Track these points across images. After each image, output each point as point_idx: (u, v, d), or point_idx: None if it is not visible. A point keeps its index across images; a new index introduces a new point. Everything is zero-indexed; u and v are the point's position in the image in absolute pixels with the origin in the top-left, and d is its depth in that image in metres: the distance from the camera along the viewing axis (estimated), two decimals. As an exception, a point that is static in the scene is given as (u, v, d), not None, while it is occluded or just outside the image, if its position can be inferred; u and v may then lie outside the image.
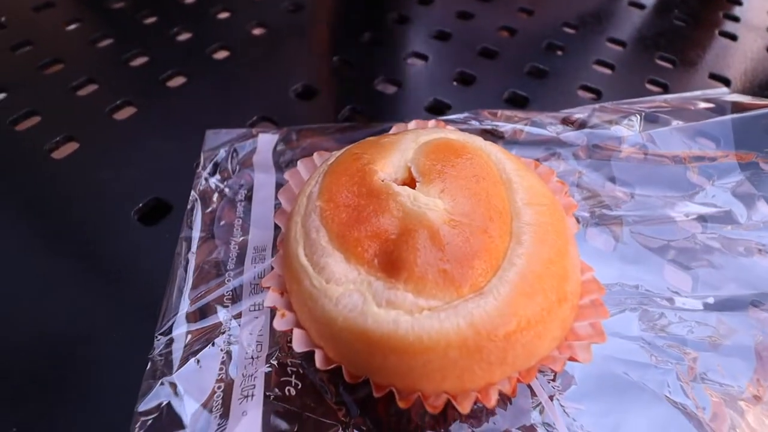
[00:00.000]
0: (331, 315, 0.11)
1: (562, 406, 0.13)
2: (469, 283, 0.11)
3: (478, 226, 0.12)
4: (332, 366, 0.11)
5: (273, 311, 0.12)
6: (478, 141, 0.15)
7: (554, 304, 0.11)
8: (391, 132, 0.16)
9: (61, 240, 0.17)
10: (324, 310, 0.11)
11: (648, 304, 0.16)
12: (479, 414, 0.13)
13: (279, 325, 0.12)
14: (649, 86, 0.27)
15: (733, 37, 0.33)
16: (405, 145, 0.14)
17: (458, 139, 0.14)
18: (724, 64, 0.30)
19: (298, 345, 0.11)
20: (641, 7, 0.35)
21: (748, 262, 0.18)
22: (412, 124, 0.17)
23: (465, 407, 0.11)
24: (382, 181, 0.12)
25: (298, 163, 0.15)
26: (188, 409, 0.12)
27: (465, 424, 0.13)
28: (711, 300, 0.16)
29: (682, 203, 0.20)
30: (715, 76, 0.29)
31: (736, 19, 0.35)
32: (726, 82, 0.29)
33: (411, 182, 0.13)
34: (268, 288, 0.12)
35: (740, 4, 0.37)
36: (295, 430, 0.12)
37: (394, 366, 0.10)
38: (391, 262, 0.11)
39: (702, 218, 0.19)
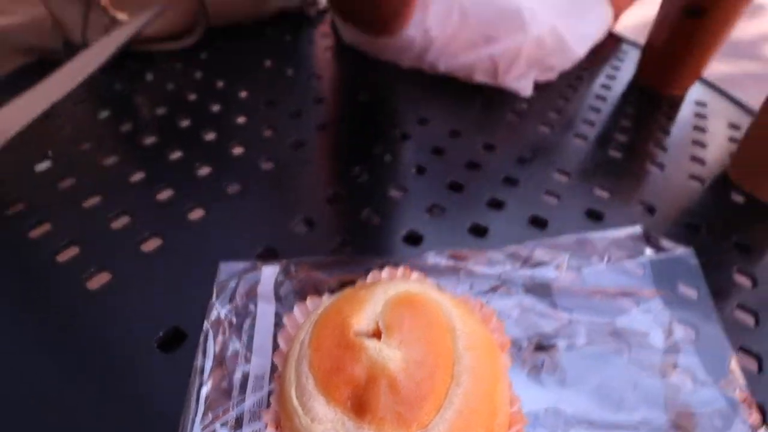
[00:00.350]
0: (315, 449, 0.14)
1: None
2: (417, 421, 0.15)
3: (427, 372, 0.16)
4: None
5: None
6: (433, 293, 0.19)
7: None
8: (367, 281, 0.21)
9: (87, 365, 0.21)
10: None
11: (573, 426, 0.20)
12: None
13: None
14: (587, 217, 0.33)
15: (660, 167, 0.40)
16: (376, 298, 0.18)
17: (417, 292, 0.19)
18: (652, 192, 0.36)
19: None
20: (584, 138, 0.42)
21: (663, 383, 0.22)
22: (384, 273, 0.21)
23: None
24: (357, 335, 0.17)
25: (295, 307, 0.20)
26: None
27: None
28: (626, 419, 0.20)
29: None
30: (643, 203, 0.35)
31: (663, 149, 0.42)
32: (652, 210, 0.34)
33: (379, 333, 0.17)
34: (267, 420, 0.16)
35: (667, 133, 0.44)
36: None
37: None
38: (360, 404, 0.15)
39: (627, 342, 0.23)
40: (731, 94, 0.54)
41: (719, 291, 0.27)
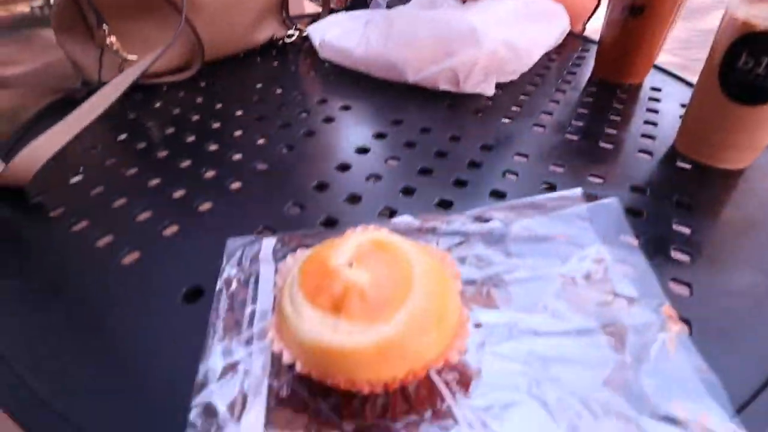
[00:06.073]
0: (303, 340, 0.19)
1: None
2: (381, 318, 0.20)
3: (389, 288, 0.21)
4: (306, 371, 0.19)
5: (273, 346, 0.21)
6: (396, 238, 0.24)
7: (434, 327, 0.20)
8: (345, 234, 0.26)
9: (126, 318, 0.26)
10: (299, 337, 0.19)
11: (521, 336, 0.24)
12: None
13: (276, 348, 0.20)
14: (542, 190, 0.38)
15: (613, 144, 0.45)
16: (350, 242, 0.23)
17: (384, 237, 0.24)
18: (603, 166, 0.41)
19: (286, 359, 0.20)
20: (543, 126, 0.48)
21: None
22: (359, 229, 0.27)
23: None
24: (334, 265, 0.22)
25: (288, 256, 0.25)
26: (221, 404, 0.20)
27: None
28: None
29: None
30: (594, 175, 0.40)
31: (616, 129, 0.47)
32: (603, 178, 0.39)
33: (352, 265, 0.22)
34: (269, 337, 0.21)
35: (622, 116, 0.50)
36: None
37: (337, 365, 0.19)
38: (336, 307, 0.20)
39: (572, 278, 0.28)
40: (686, 78, 0.59)
41: (660, 238, 0.31)
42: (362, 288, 0.20)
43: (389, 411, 0.21)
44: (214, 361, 0.22)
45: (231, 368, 0.22)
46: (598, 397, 0.22)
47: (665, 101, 0.53)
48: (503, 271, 0.28)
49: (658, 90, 0.56)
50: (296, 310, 0.20)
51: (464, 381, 0.22)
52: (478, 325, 0.25)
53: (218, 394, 0.21)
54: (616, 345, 0.24)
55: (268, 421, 0.20)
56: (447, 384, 0.22)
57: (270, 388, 0.21)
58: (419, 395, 0.22)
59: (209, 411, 0.20)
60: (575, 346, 0.24)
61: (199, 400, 0.21)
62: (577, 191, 0.33)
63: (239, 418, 0.20)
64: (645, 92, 0.55)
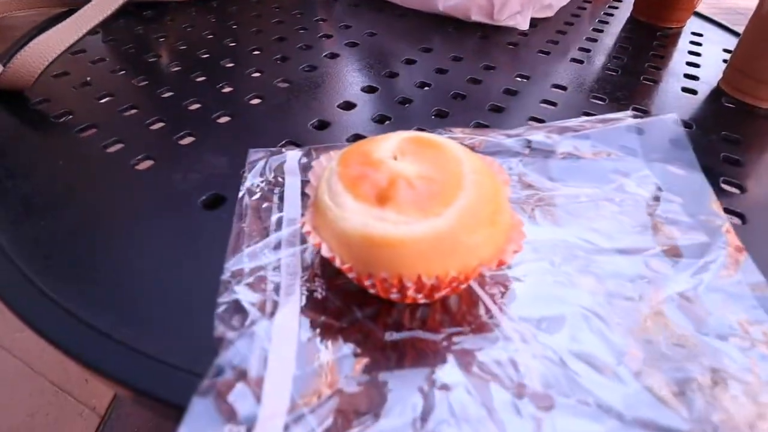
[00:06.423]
0: (345, 230, 0.17)
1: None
2: (432, 211, 0.17)
3: (439, 181, 0.18)
4: (347, 267, 0.17)
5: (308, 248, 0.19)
6: (443, 137, 0.22)
7: (487, 225, 0.18)
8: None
9: (147, 218, 0.24)
10: (340, 228, 0.17)
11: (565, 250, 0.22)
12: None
13: (313, 240, 0.18)
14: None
15: (654, 82, 0.42)
16: (393, 138, 0.21)
17: (429, 135, 0.22)
18: (646, 100, 0.39)
19: (325, 252, 0.18)
20: (580, 62, 0.45)
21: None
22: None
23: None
24: (378, 156, 0.19)
25: (321, 157, 0.23)
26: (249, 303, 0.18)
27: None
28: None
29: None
30: (637, 108, 0.37)
31: (657, 69, 0.44)
32: (646, 112, 0.37)
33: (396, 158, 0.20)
34: (305, 230, 0.19)
35: (662, 57, 0.46)
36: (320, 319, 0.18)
37: (384, 257, 0.17)
38: (382, 198, 0.18)
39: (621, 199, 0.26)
40: (728, 25, 0.56)
41: (709, 169, 0.29)
42: (409, 178, 0.18)
43: (428, 323, 0.19)
44: (239, 262, 0.20)
45: (259, 270, 0.20)
46: (655, 314, 0.20)
47: (707, 45, 0.50)
48: (547, 191, 0.26)
49: (700, 35, 0.53)
50: (335, 201, 0.18)
51: (510, 294, 0.21)
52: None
53: (246, 293, 0.19)
54: (672, 264, 0.22)
55: (303, 323, 0.18)
56: (492, 297, 0.20)
57: (302, 291, 0.19)
58: (461, 309, 0.20)
59: (237, 308, 0.18)
60: (629, 263, 0.22)
61: (225, 298, 0.19)
62: (628, 113, 0.30)
63: (271, 315, 0.18)
64: (686, 37, 0.52)
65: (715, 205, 0.25)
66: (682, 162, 0.27)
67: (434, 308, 0.19)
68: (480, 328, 0.19)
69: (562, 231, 0.24)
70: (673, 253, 0.23)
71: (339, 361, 0.17)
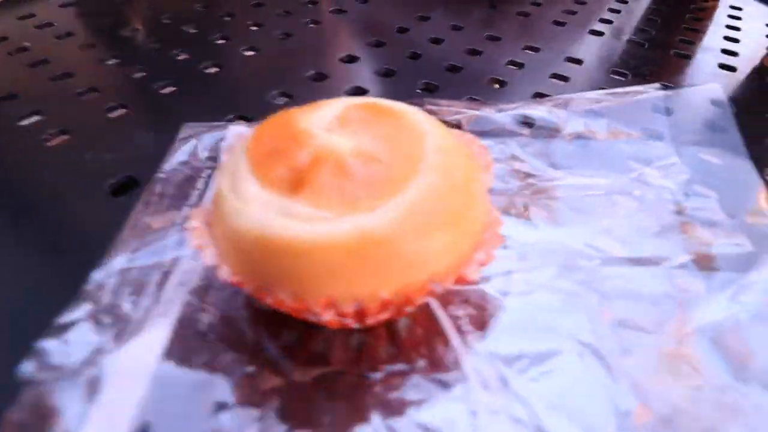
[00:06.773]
0: (238, 228, 0.12)
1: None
2: (364, 204, 0.12)
3: (385, 162, 0.13)
4: (236, 280, 0.13)
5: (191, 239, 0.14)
6: (408, 106, 0.17)
7: (447, 226, 0.13)
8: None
9: (42, 207, 0.20)
10: (234, 225, 0.12)
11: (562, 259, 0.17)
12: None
13: (193, 243, 0.13)
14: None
15: (687, 57, 0.36)
16: (337, 105, 0.16)
17: (388, 102, 0.16)
18: (677, 77, 0.33)
19: (208, 258, 0.13)
20: (600, 34, 0.38)
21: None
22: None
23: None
24: (304, 126, 0.14)
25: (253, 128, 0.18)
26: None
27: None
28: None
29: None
30: (665, 86, 0.31)
31: (691, 43, 0.38)
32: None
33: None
34: (188, 226, 0.14)
35: (696, 30, 0.40)
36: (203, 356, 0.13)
37: (284, 268, 0.12)
38: (296, 183, 0.13)
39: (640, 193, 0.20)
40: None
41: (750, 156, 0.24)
42: (341, 158, 0.13)
43: (364, 356, 0.14)
44: (114, 264, 0.15)
45: (138, 273, 0.15)
46: (679, 352, 0.15)
47: (747, 21, 0.44)
48: (547, 181, 0.21)
49: (738, 8, 0.46)
50: (235, 186, 0.13)
51: (481, 319, 0.15)
52: (503, 247, 0.18)
53: (105, 307, 0.14)
54: (705, 278, 0.17)
55: (171, 354, 0.13)
56: (456, 321, 0.15)
57: (188, 308, 0.14)
58: (413, 335, 0.15)
59: (82, 330, 0.14)
60: (647, 278, 0.17)
61: (66, 317, 0.14)
62: (654, 85, 0.24)
63: (127, 341, 0.13)
64: (723, 11, 0.46)
65: (766, 203, 0.19)
66: (721, 147, 0.21)
67: (377, 334, 0.14)
68: (437, 365, 0.14)
69: (563, 233, 0.18)
70: (707, 264, 0.18)
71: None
